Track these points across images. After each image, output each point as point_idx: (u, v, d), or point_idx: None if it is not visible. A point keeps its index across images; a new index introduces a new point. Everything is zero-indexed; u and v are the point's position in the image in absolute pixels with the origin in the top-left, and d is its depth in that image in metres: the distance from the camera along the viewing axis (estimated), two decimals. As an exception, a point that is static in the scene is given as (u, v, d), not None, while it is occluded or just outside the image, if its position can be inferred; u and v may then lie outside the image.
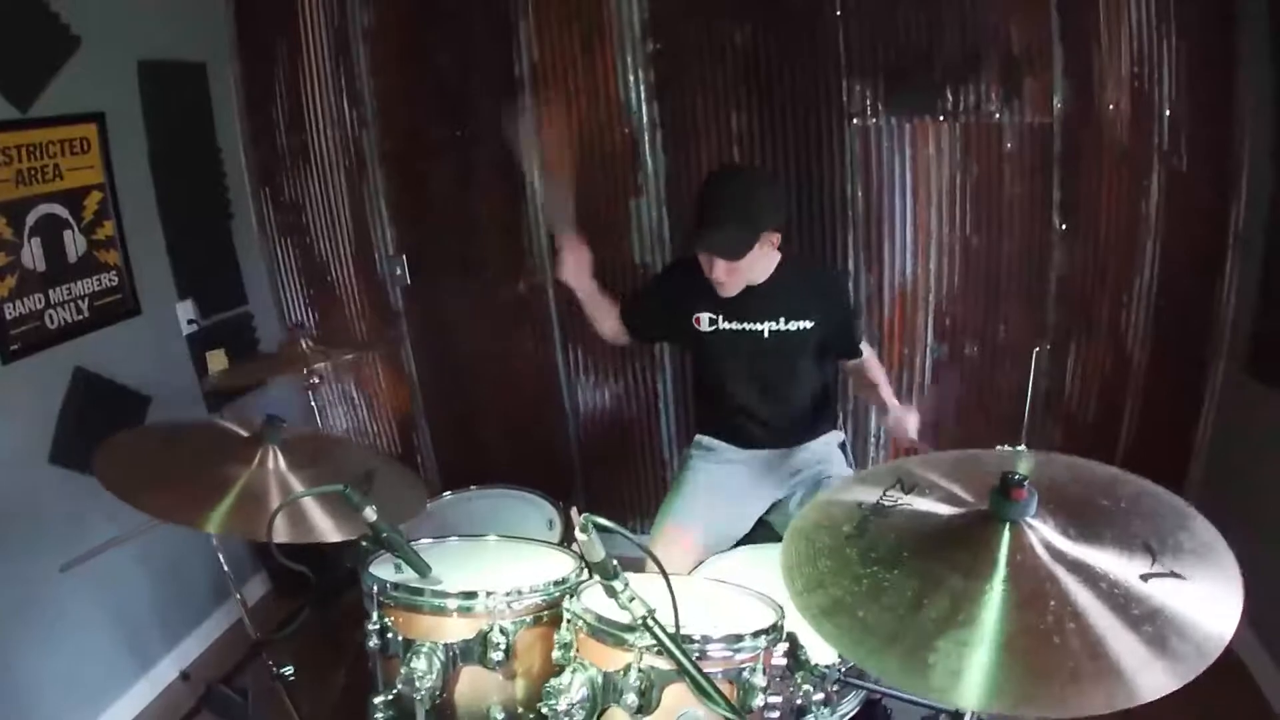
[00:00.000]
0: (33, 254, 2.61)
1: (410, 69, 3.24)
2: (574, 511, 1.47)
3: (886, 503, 1.34)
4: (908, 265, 3.08)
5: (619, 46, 3.03)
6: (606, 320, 2.64)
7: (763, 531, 2.49)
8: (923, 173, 2.99)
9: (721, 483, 2.50)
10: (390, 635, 1.75)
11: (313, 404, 2.94)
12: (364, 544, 1.75)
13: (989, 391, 3.15)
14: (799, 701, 1.60)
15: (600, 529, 1.34)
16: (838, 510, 1.36)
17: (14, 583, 2.50)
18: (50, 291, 2.66)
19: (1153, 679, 0.98)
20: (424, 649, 1.69)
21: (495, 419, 3.57)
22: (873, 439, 3.28)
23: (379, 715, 1.72)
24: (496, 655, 1.68)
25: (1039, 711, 1.01)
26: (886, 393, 2.40)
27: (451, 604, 1.71)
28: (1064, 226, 2.95)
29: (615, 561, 1.39)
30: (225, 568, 2.24)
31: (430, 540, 2.12)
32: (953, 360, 3.15)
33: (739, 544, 2.39)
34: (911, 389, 3.20)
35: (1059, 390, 3.12)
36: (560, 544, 2.24)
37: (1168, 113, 2.78)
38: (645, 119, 3.09)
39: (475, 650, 1.69)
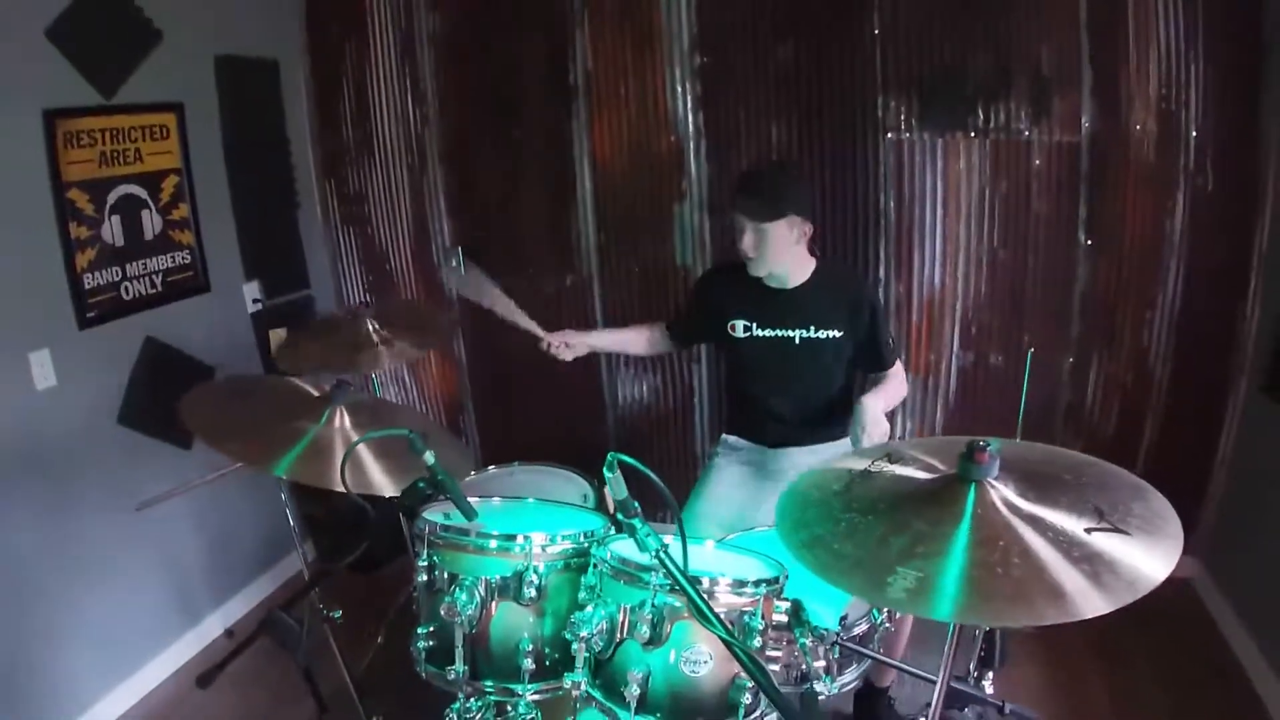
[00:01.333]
0: (112, 230, 2.82)
1: (471, 72, 3.42)
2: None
3: (874, 469, 1.51)
4: (936, 275, 3.20)
5: (668, 59, 3.21)
6: (635, 346, 2.89)
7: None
8: (953, 187, 3.12)
9: (743, 481, 2.63)
10: (437, 572, 1.91)
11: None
12: (420, 486, 1.90)
13: (1013, 400, 3.23)
14: (802, 667, 1.74)
15: (625, 467, 1.49)
16: (831, 474, 1.54)
17: (78, 531, 2.69)
18: (127, 265, 2.87)
19: (1089, 602, 1.14)
20: (466, 582, 1.85)
21: (537, 407, 3.71)
22: (899, 437, 3.37)
23: (421, 644, 1.87)
24: (530, 592, 1.83)
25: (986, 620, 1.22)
26: (878, 396, 2.43)
27: (493, 544, 1.87)
28: (1089, 242, 3.06)
29: (637, 504, 1.53)
30: (290, 519, 2.38)
31: (476, 498, 2.27)
32: (977, 368, 3.25)
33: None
34: (937, 394, 3.30)
35: (1080, 403, 3.20)
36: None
37: (1194, 134, 2.89)
38: (691, 128, 3.26)
39: (511, 586, 1.84)
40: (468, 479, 2.67)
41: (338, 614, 2.25)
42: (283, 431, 2.02)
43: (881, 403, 2.39)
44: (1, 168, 2.48)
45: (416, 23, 3.39)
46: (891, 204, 3.16)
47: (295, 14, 3.51)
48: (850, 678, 1.93)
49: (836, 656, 1.85)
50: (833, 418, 2.62)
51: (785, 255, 2.45)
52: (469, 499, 2.20)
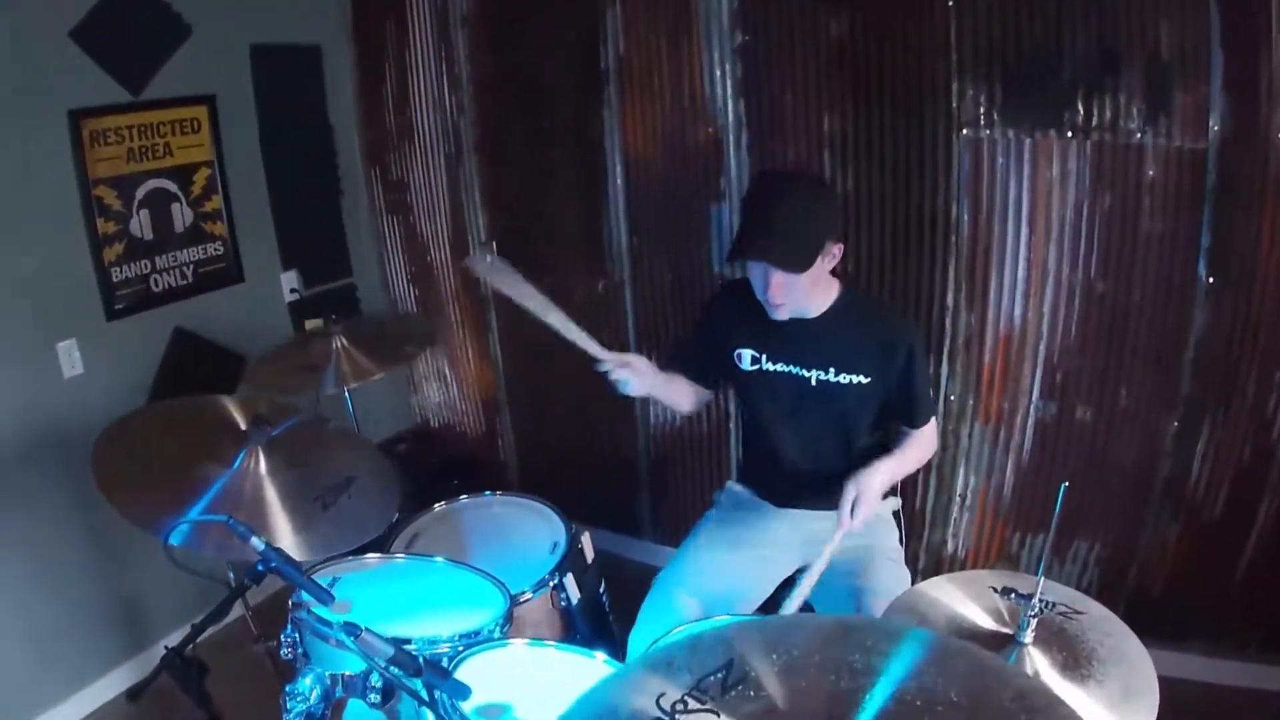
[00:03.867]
0: (141, 224, 2.90)
1: (502, 57, 3.19)
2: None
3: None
4: (1016, 307, 2.61)
5: (705, 37, 2.78)
6: (683, 399, 2.38)
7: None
8: (1042, 198, 2.50)
9: (733, 543, 2.25)
10: (298, 650, 1.84)
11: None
12: (259, 568, 1.80)
13: (1099, 464, 2.63)
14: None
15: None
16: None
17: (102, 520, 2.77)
18: (156, 258, 2.95)
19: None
20: (311, 672, 1.77)
21: (571, 415, 3.51)
22: (958, 499, 2.86)
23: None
24: (373, 696, 1.70)
25: None
26: (882, 469, 2.03)
27: (337, 636, 1.72)
28: (1210, 280, 2.36)
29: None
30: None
31: (379, 556, 2.16)
32: (1060, 423, 2.66)
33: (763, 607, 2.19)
34: (1008, 449, 2.74)
35: (1183, 475, 2.54)
36: (548, 574, 2.21)
37: (1360, 145, 2.13)
38: (730, 117, 2.83)
39: (356, 685, 1.74)
40: (436, 509, 2.56)
41: (275, 642, 2.22)
42: (188, 480, 1.94)
43: (885, 477, 2.02)
44: (28, 168, 2.60)
45: (451, 2, 3.17)
46: (966, 216, 2.59)
47: (337, -2, 3.42)
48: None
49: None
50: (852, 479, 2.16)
51: (816, 292, 2.05)
52: (369, 556, 2.11)
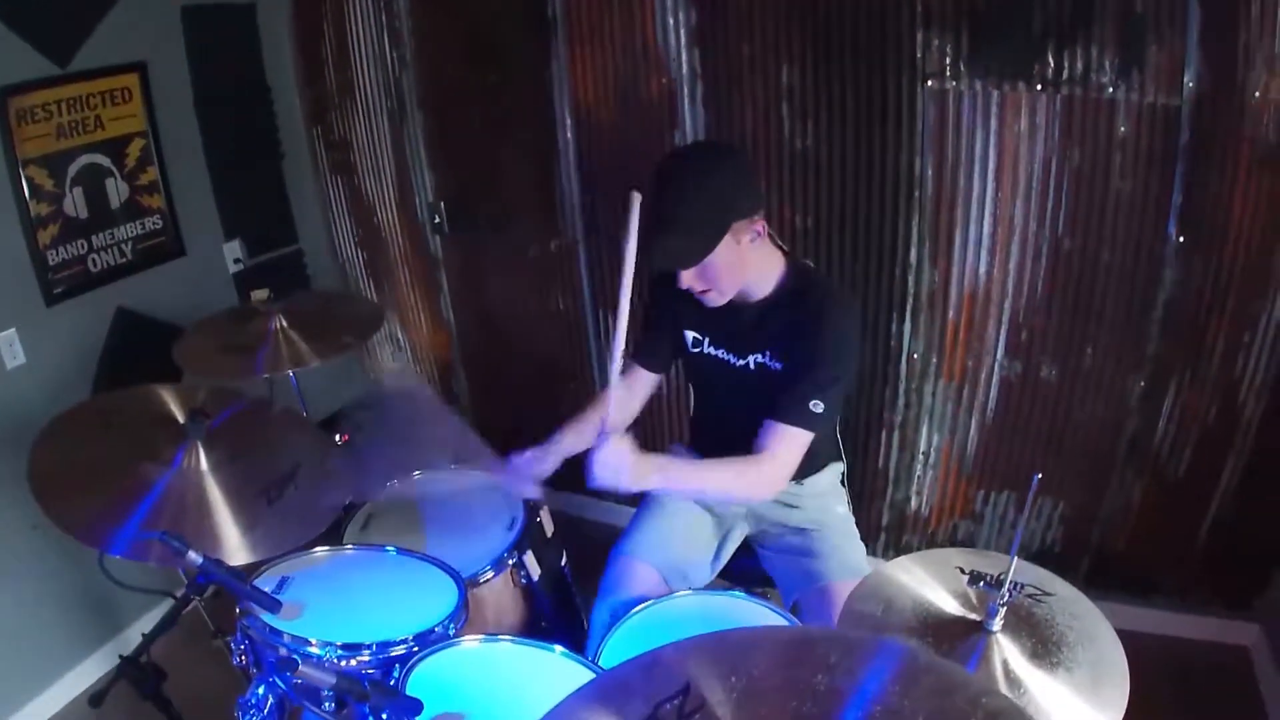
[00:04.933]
0: (74, 203, 2.75)
1: (445, 8, 3.00)
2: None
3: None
4: (981, 263, 2.55)
5: (656, -20, 2.62)
6: (617, 411, 2.08)
7: (748, 565, 2.26)
8: (1010, 153, 2.41)
9: (685, 511, 2.23)
10: (248, 660, 1.81)
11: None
12: (201, 581, 1.77)
13: (1063, 424, 2.61)
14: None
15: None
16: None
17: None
18: (93, 237, 2.81)
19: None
20: (265, 680, 1.73)
21: (528, 374, 3.44)
22: (921, 456, 2.85)
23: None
24: (327, 706, 1.67)
25: None
26: (678, 465, 1.94)
27: (287, 645, 1.72)
28: (1181, 239, 2.31)
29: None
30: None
31: (328, 549, 2.11)
32: (1025, 381, 2.63)
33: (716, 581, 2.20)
34: (972, 408, 2.71)
35: (1148, 436, 2.54)
36: (506, 552, 2.15)
37: (1335, 104, 2.04)
38: (685, 68, 2.69)
39: (311, 693, 1.69)
40: (391, 484, 2.51)
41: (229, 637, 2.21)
42: (127, 483, 1.85)
43: (656, 473, 1.85)
44: (-48, 154, 2.44)
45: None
46: (929, 170, 2.49)
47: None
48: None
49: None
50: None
51: (742, 271, 1.89)
52: (318, 550, 2.08)
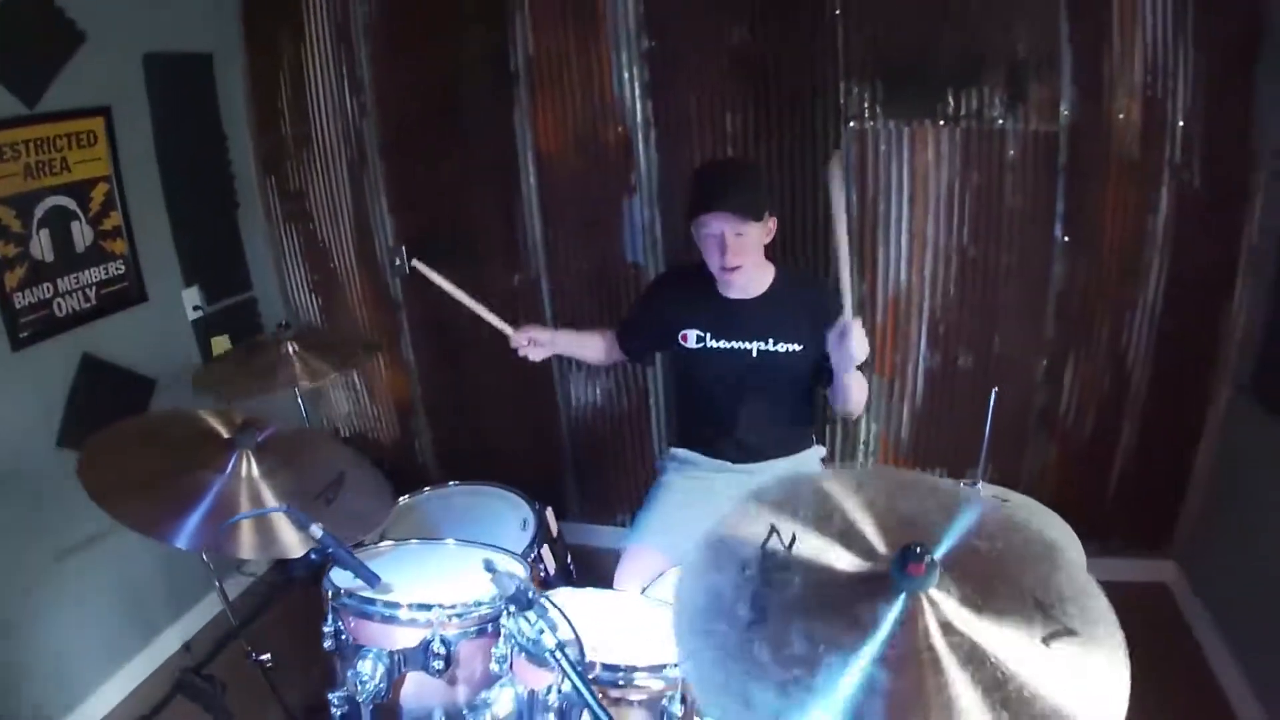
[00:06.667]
0: (41, 245, 2.72)
1: (408, 59, 3.22)
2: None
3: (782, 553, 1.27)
4: (902, 273, 3.00)
5: (614, 42, 2.97)
6: (593, 351, 2.69)
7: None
8: (920, 179, 2.89)
9: (693, 498, 2.48)
10: (343, 638, 1.89)
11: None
12: (312, 558, 1.84)
13: (981, 403, 3.06)
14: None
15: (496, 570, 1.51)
16: (738, 553, 1.32)
17: (18, 560, 2.64)
18: (59, 281, 2.77)
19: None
20: (370, 653, 1.83)
21: (490, 410, 3.61)
22: (862, 445, 3.24)
23: (335, 710, 1.86)
24: (437, 664, 1.79)
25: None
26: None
27: (396, 614, 1.84)
28: (1066, 239, 2.84)
29: (532, 591, 1.49)
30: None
31: (392, 542, 2.23)
32: (945, 371, 3.08)
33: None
34: (903, 397, 3.14)
35: (1055, 407, 3.03)
36: (527, 548, 2.33)
37: (1181, 124, 2.64)
38: (639, 117, 3.04)
39: (418, 657, 1.81)
40: (402, 501, 2.63)
41: (267, 656, 2.20)
42: (186, 485, 1.91)
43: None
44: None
45: (353, 6, 3.17)
46: (854, 196, 2.93)
47: (229, 4, 3.31)
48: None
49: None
50: (792, 433, 2.51)
51: (759, 256, 2.31)
52: (384, 544, 2.18)
